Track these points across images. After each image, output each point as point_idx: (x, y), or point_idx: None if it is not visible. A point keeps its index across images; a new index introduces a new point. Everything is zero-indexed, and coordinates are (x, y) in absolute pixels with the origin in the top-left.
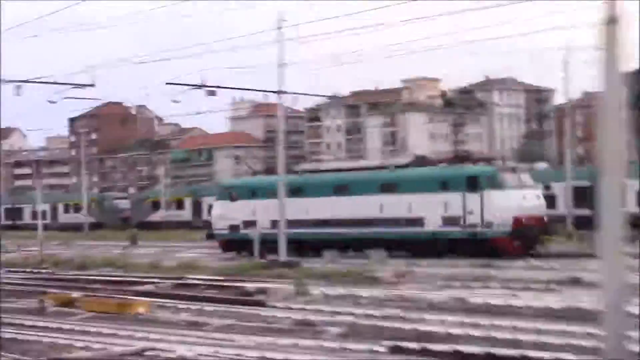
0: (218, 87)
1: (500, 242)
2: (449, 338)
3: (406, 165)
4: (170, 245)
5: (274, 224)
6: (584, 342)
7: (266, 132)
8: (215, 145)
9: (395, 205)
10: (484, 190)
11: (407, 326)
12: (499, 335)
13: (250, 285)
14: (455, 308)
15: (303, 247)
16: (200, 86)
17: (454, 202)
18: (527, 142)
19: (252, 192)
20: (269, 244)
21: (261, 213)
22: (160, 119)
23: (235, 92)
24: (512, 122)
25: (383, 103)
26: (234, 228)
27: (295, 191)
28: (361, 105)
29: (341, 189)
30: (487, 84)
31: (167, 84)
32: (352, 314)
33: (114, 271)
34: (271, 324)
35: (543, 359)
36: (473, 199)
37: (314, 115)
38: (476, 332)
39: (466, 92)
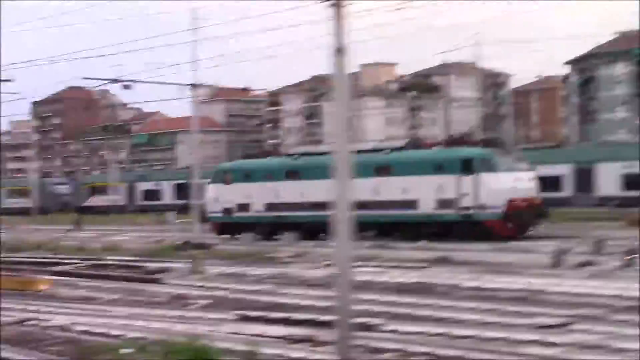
0: (132, 81)
1: (494, 224)
2: (292, 308)
3: (401, 148)
4: (112, 229)
5: (269, 206)
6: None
7: (228, 116)
8: (177, 129)
9: (390, 188)
10: (478, 172)
11: (266, 298)
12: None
13: (154, 265)
14: (322, 283)
15: (301, 229)
16: (115, 80)
17: (448, 184)
18: (483, 125)
19: (247, 175)
20: (263, 227)
21: (256, 196)
22: (124, 104)
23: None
24: (468, 106)
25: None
26: (228, 211)
27: (292, 174)
28: (320, 89)
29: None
30: (444, 68)
31: (84, 78)
32: (227, 289)
33: (44, 253)
34: (151, 298)
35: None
36: (467, 181)
37: (274, 99)
38: (319, 303)
39: (423, 76)
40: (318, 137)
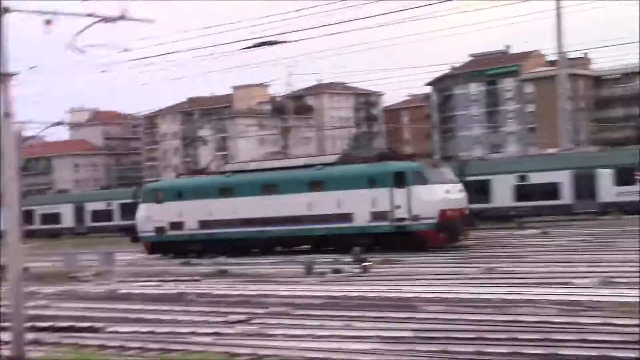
0: None
1: (427, 234)
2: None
3: (333, 164)
4: None
5: (202, 224)
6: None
7: (105, 139)
8: (54, 153)
9: (323, 203)
10: (410, 185)
11: (34, 312)
12: (86, 314)
13: None
14: (100, 297)
15: (234, 246)
16: None
17: (381, 197)
18: (356, 143)
19: (179, 194)
20: (196, 244)
21: (189, 214)
22: None
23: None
24: (342, 125)
25: (215, 109)
26: (160, 230)
27: (224, 191)
28: (195, 111)
29: (269, 188)
30: (318, 89)
31: None
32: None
33: None
34: None
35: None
36: (400, 194)
37: (150, 122)
38: (75, 313)
39: (296, 97)
40: (195, 158)
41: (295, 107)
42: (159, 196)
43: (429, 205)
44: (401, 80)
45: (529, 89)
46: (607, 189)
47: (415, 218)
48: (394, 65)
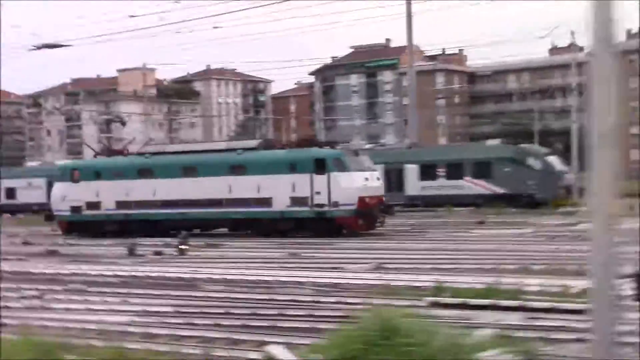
0: None
1: (347, 220)
2: None
3: (254, 148)
4: None
5: (119, 204)
6: None
7: None
8: None
9: (243, 187)
10: (330, 172)
11: None
12: None
13: None
14: None
15: (154, 227)
16: None
17: (301, 183)
18: (242, 129)
19: (97, 174)
20: (113, 225)
21: (106, 194)
22: None
23: None
24: (229, 111)
25: (100, 91)
26: (76, 209)
27: (144, 172)
28: (80, 92)
29: (190, 170)
30: (206, 74)
31: None
32: None
33: None
34: None
35: None
36: (320, 180)
37: (34, 101)
38: None
39: (184, 81)
40: (79, 139)
41: (182, 91)
42: (75, 175)
43: (349, 192)
44: (289, 70)
45: (406, 82)
46: (413, 183)
47: (335, 204)
48: (282, 55)
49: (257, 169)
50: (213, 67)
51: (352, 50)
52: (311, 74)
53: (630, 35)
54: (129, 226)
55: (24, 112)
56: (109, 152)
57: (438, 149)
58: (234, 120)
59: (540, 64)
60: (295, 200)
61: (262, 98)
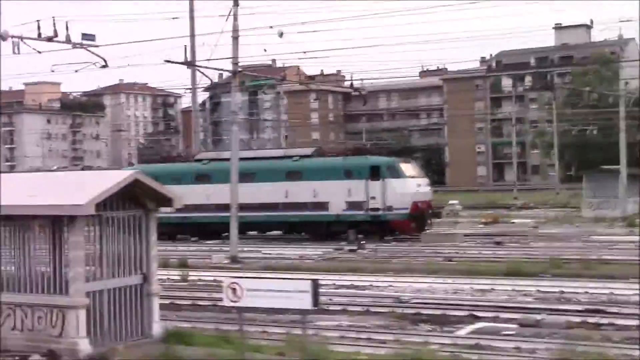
0: None
1: (400, 223)
2: None
3: (309, 156)
4: None
5: (177, 208)
6: None
7: None
8: None
9: (300, 191)
10: (385, 178)
11: None
12: None
13: None
14: None
15: (210, 229)
16: None
17: (357, 188)
18: (149, 142)
19: (153, 178)
20: (169, 227)
21: None
22: None
23: None
24: (138, 124)
25: (6, 104)
26: None
27: (201, 177)
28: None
29: (247, 176)
30: (116, 88)
31: None
32: None
33: None
34: None
35: None
36: (375, 186)
37: None
38: None
39: (93, 95)
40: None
41: (87, 104)
42: None
43: (403, 197)
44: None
45: (285, 100)
46: None
47: (389, 208)
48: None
49: (313, 174)
50: (126, 81)
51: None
52: (205, 90)
53: (482, 61)
54: (184, 229)
55: None
56: (165, 159)
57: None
58: (143, 132)
59: (408, 86)
60: (351, 205)
61: (171, 112)
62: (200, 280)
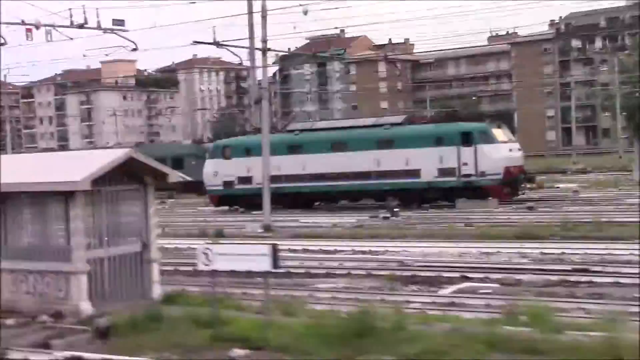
0: None
1: (493, 189)
2: None
3: (400, 124)
4: None
5: (271, 179)
6: None
7: None
8: None
9: (392, 159)
10: (477, 144)
11: None
12: None
13: None
14: None
15: (302, 199)
16: None
17: (449, 155)
18: (222, 116)
19: (247, 151)
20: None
21: (257, 169)
22: None
23: None
24: (212, 98)
25: (84, 82)
26: (228, 184)
27: (293, 148)
28: (67, 83)
29: (339, 145)
30: (189, 64)
31: None
32: None
33: None
34: None
35: None
36: (467, 152)
37: (27, 92)
38: None
39: (167, 71)
40: (69, 126)
41: (161, 80)
42: (227, 152)
43: (495, 162)
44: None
45: (353, 70)
46: None
47: (482, 174)
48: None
49: (404, 142)
50: (199, 56)
51: (308, 41)
52: (274, 63)
53: (551, 24)
54: (278, 199)
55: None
56: (258, 130)
57: (155, 147)
58: (217, 106)
59: (476, 53)
60: (443, 171)
61: (244, 85)
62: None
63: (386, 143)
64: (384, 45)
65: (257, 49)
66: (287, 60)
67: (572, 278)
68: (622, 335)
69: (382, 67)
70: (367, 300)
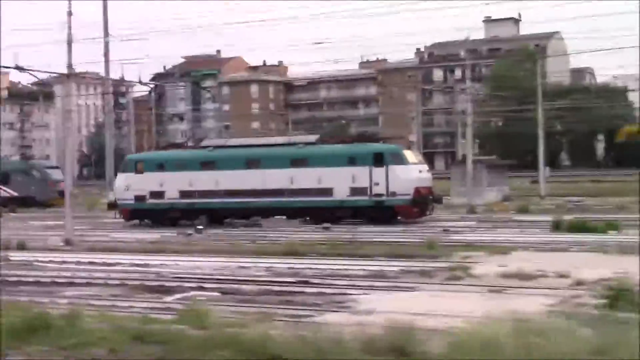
0: None
1: (404, 209)
2: None
3: (313, 143)
4: None
5: (183, 194)
6: None
7: None
8: None
9: (305, 178)
10: (389, 164)
11: None
12: None
13: None
14: None
15: (216, 215)
16: None
17: (361, 175)
18: (97, 132)
19: (161, 165)
20: (175, 212)
21: (170, 184)
22: None
23: None
24: (90, 112)
25: None
26: (139, 198)
27: (207, 164)
28: None
29: (252, 162)
30: (66, 78)
31: None
32: None
33: None
34: None
35: None
36: (379, 172)
37: None
38: None
39: (43, 84)
40: None
41: (35, 93)
42: (139, 167)
43: (406, 183)
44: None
45: (226, 90)
46: None
47: (393, 194)
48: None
49: (317, 161)
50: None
51: (184, 60)
52: (152, 79)
53: (416, 52)
54: (190, 214)
55: None
56: (170, 146)
57: None
58: (94, 121)
59: (347, 76)
60: (355, 191)
61: (122, 100)
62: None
63: (300, 161)
64: (258, 67)
65: (63, 74)
66: (162, 78)
67: (288, 289)
68: (269, 332)
69: (254, 88)
70: (91, 304)
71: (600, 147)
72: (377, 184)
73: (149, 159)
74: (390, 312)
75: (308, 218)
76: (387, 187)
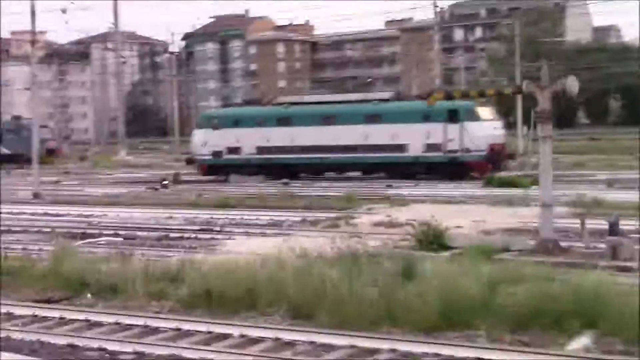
0: None
1: (478, 165)
2: None
3: (387, 100)
4: None
5: (259, 150)
6: None
7: None
8: None
9: (379, 134)
10: (463, 121)
11: None
12: None
13: None
14: None
15: (292, 171)
16: None
17: (435, 131)
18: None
19: (237, 121)
20: (252, 168)
21: (247, 140)
22: None
23: None
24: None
25: None
26: (217, 154)
27: (283, 121)
28: None
29: (328, 119)
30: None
31: None
32: None
33: None
34: None
35: None
36: (453, 128)
37: None
38: None
39: (79, 44)
40: None
41: (71, 53)
42: (215, 123)
43: (480, 139)
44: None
45: (253, 50)
46: None
47: (467, 150)
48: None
49: (392, 118)
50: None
51: (213, 19)
52: (183, 39)
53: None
54: (267, 169)
55: None
56: (247, 102)
57: None
58: (130, 80)
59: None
60: (429, 147)
61: (158, 59)
62: None
63: (374, 118)
64: (285, 26)
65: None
66: (191, 38)
67: (187, 235)
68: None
69: (280, 48)
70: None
71: (615, 105)
72: (451, 140)
73: (225, 116)
74: (230, 252)
75: (383, 174)
76: (462, 144)
